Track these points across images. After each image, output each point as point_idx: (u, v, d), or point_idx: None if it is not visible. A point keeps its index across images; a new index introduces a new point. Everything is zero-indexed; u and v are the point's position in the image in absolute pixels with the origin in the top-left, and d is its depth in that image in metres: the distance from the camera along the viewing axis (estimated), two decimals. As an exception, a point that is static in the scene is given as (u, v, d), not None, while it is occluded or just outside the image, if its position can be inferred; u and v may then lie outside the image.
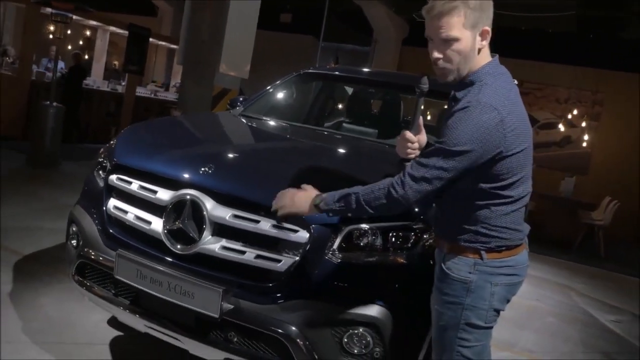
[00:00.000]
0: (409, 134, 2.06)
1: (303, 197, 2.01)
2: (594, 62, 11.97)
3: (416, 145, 2.08)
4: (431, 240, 2.32)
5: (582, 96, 12.36)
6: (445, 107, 4.77)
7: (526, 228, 2.04)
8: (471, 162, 1.79)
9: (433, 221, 2.14)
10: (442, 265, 1.99)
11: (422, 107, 2.12)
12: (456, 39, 1.84)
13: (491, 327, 2.01)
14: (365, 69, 4.76)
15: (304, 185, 2.07)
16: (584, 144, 12.20)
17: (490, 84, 1.85)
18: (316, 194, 2.00)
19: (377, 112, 4.60)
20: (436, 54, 1.88)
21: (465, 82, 1.92)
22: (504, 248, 1.94)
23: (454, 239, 1.96)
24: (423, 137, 2.17)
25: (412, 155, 2.07)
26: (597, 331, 5.10)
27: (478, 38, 1.88)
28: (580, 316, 5.47)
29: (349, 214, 2.02)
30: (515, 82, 2.00)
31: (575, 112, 12.34)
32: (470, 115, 1.77)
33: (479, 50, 1.90)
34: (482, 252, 1.92)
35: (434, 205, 2.11)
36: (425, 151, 1.87)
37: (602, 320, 5.44)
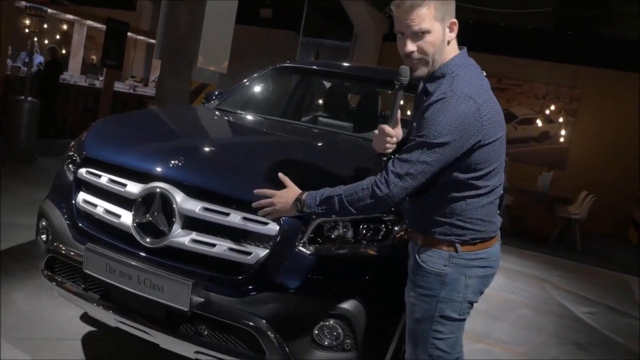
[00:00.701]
0: (387, 128, 2.03)
1: (284, 198, 1.98)
2: (572, 58, 12.11)
3: (394, 140, 2.06)
4: (402, 233, 2.34)
5: (560, 92, 12.49)
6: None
7: (499, 220, 2.06)
8: (453, 153, 1.80)
9: (406, 214, 2.15)
10: (417, 258, 2.00)
11: (402, 100, 2.07)
12: (428, 31, 1.87)
13: (464, 319, 2.03)
14: (342, 63, 4.75)
15: (283, 178, 2.04)
16: (562, 140, 12.35)
17: (461, 75, 1.88)
18: (297, 194, 1.97)
19: (354, 106, 4.61)
20: (410, 47, 1.89)
21: (436, 75, 1.94)
22: (478, 240, 1.96)
23: (429, 231, 1.97)
24: (399, 131, 2.16)
25: (389, 150, 2.06)
26: (571, 323, 5.18)
27: (447, 30, 1.91)
28: (555, 308, 5.55)
29: (332, 216, 2.02)
30: (484, 73, 2.01)
31: (553, 108, 12.47)
32: (448, 105, 1.78)
33: (449, 42, 1.93)
34: (457, 245, 1.94)
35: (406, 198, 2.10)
36: (406, 147, 1.86)
37: (576, 312, 5.52)
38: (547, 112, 12.46)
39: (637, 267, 8.53)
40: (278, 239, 2.19)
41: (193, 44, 7.36)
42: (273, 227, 2.19)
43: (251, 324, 2.16)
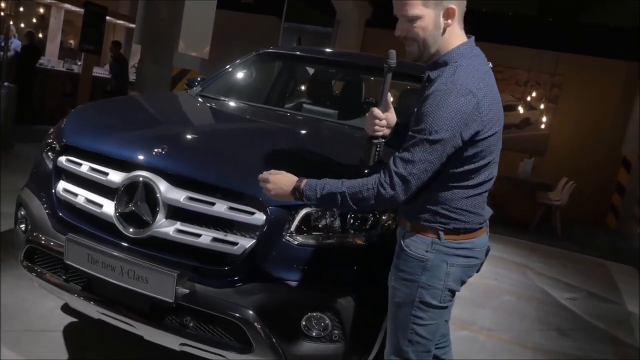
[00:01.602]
0: (376, 111, 2.05)
1: (280, 183, 1.95)
2: (553, 45, 12.16)
3: (384, 122, 2.06)
4: (390, 222, 2.31)
5: (541, 79, 12.56)
6: (407, 88, 4.80)
7: (487, 212, 2.05)
8: (452, 148, 1.79)
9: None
10: (402, 242, 1.99)
11: (389, 83, 2.04)
12: (417, 17, 1.85)
13: (445, 307, 2.02)
14: (326, 49, 4.69)
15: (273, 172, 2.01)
16: (543, 126, 12.44)
17: (464, 65, 1.84)
18: (294, 182, 1.94)
19: (339, 93, 4.56)
20: (398, 32, 1.90)
21: (438, 62, 1.91)
22: (462, 230, 1.95)
23: (415, 217, 1.97)
24: (392, 115, 2.15)
25: (380, 133, 2.07)
26: (553, 308, 5.24)
27: (441, 16, 1.87)
28: (537, 294, 5.61)
29: (333, 209, 2.00)
30: (490, 64, 1.97)
31: (534, 94, 12.54)
32: (447, 99, 1.75)
33: (445, 29, 1.88)
34: (440, 232, 1.93)
35: None
36: (406, 145, 1.82)
37: (557, 298, 5.58)
38: (529, 98, 12.54)
39: (615, 253, 8.68)
40: (265, 228, 2.15)
41: (174, 29, 7.24)
42: (259, 217, 2.15)
43: (237, 315, 2.13)
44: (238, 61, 4.04)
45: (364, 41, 14.07)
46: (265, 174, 1.97)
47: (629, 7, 10.60)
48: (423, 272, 1.94)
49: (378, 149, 2.08)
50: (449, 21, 1.88)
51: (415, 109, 1.90)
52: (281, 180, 1.95)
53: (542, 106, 12.44)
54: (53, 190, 2.50)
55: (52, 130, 2.81)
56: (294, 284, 2.17)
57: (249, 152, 2.50)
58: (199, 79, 3.94)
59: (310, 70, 4.67)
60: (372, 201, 1.84)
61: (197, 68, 7.78)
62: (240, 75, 4.02)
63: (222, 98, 3.62)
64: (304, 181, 1.92)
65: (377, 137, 2.06)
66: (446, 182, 1.89)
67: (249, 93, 4.10)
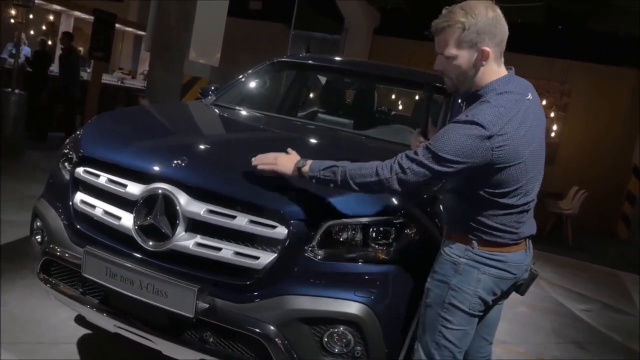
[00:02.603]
0: (419, 136, 2.40)
1: (287, 158, 2.13)
2: (563, 53, 12.12)
3: (419, 144, 2.19)
4: (412, 235, 2.27)
5: (550, 87, 12.51)
6: (417, 97, 4.75)
7: (527, 230, 2.09)
8: (455, 172, 1.88)
9: (443, 210, 2.24)
10: (442, 249, 2.12)
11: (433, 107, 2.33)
12: (452, 56, 1.95)
13: (475, 315, 2.08)
14: (340, 58, 4.67)
15: (289, 150, 2.19)
16: (552, 135, 12.37)
17: (491, 102, 1.90)
18: (299, 157, 2.11)
19: (352, 102, 4.53)
20: (437, 66, 2.01)
21: (474, 94, 2.00)
22: (493, 243, 2.02)
23: (453, 227, 2.11)
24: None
25: None
26: (569, 320, 5.17)
27: (478, 56, 1.94)
28: (552, 306, 5.54)
29: (331, 185, 2.05)
30: (530, 96, 2.00)
31: (543, 102, 12.45)
32: (459, 129, 1.85)
33: (479, 68, 1.96)
34: (474, 242, 2.03)
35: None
36: (418, 148, 1.94)
37: (572, 310, 5.51)
38: (538, 107, 12.46)
39: (627, 262, 8.59)
40: (286, 242, 2.11)
41: (184, 36, 7.24)
42: (281, 231, 2.11)
43: (258, 330, 2.09)
44: (251, 70, 4.01)
45: (372, 49, 14.07)
46: (261, 155, 2.17)
47: (637, 15, 10.55)
48: (454, 275, 2.04)
49: None
50: (484, 62, 1.95)
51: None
52: (283, 158, 2.13)
53: (551, 114, 12.37)
54: (70, 202, 2.47)
55: (68, 140, 2.78)
56: (315, 299, 2.12)
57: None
58: (212, 88, 3.91)
59: (322, 79, 4.65)
60: (368, 179, 1.95)
61: (208, 76, 7.77)
62: (254, 84, 3.99)
63: (237, 107, 3.59)
64: (308, 160, 2.09)
65: None
66: (476, 203, 1.98)
67: (263, 102, 4.07)
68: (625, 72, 11.96)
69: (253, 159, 2.17)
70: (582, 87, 12.22)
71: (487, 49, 1.92)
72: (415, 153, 1.91)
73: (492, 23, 1.92)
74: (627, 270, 8.04)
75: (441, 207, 2.27)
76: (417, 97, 4.47)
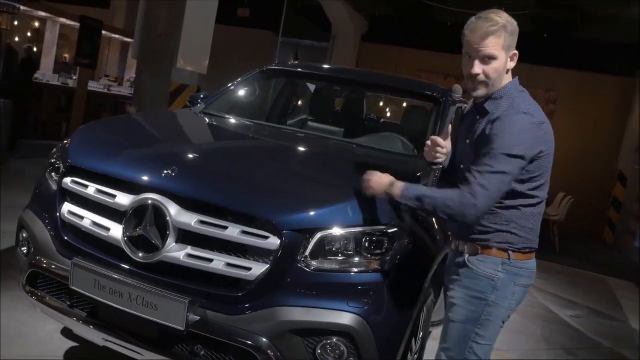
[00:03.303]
0: (439, 140, 2.19)
1: (380, 179, 2.13)
2: (548, 61, 12.22)
3: (445, 150, 2.20)
4: (405, 245, 2.26)
5: (536, 94, 12.56)
6: (405, 104, 4.74)
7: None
8: (525, 163, 1.95)
9: (451, 224, 2.18)
10: (467, 263, 2.09)
11: (452, 115, 2.24)
12: (495, 58, 2.02)
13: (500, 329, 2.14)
14: (329, 66, 4.67)
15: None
16: (539, 141, 12.43)
17: (518, 97, 2.06)
18: (392, 179, 2.11)
19: (341, 110, 4.52)
20: (477, 70, 2.03)
21: (494, 97, 2.08)
22: (527, 250, 2.08)
23: (481, 239, 2.07)
24: (449, 144, 2.27)
25: (440, 160, 2.21)
26: (558, 327, 5.18)
27: (509, 60, 2.07)
28: (541, 312, 5.55)
29: (421, 212, 2.12)
30: None
31: (530, 109, 12.55)
32: (515, 121, 1.95)
33: (508, 70, 2.09)
34: (510, 252, 2.05)
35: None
36: (482, 161, 1.96)
37: (561, 316, 5.53)
38: (525, 114, 12.54)
39: (613, 268, 8.65)
40: (279, 253, 2.09)
41: (172, 44, 7.20)
42: (274, 241, 2.09)
43: (250, 342, 2.07)
44: (240, 79, 3.99)
45: (360, 56, 14.10)
46: (369, 174, 2.16)
47: (622, 24, 10.68)
48: (493, 291, 2.04)
49: (436, 176, 2.23)
50: (512, 63, 2.09)
51: (467, 139, 2.11)
52: (379, 179, 2.13)
53: (538, 121, 12.45)
54: (58, 213, 2.43)
55: (55, 149, 2.74)
56: (308, 310, 2.10)
57: (261, 173, 2.44)
58: (202, 96, 3.87)
59: (312, 87, 4.64)
60: (457, 209, 1.95)
61: (196, 83, 7.73)
62: (244, 92, 3.97)
63: (227, 116, 3.56)
64: (400, 183, 2.08)
65: (436, 164, 2.21)
66: (514, 201, 2.02)
67: (253, 110, 4.05)
68: (609, 80, 12.11)
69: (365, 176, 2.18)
70: (568, 95, 12.34)
71: (516, 51, 2.08)
72: (485, 166, 1.93)
73: (517, 29, 2.08)
74: (614, 276, 8.10)
75: (457, 223, 2.11)
76: (404, 105, 4.46)
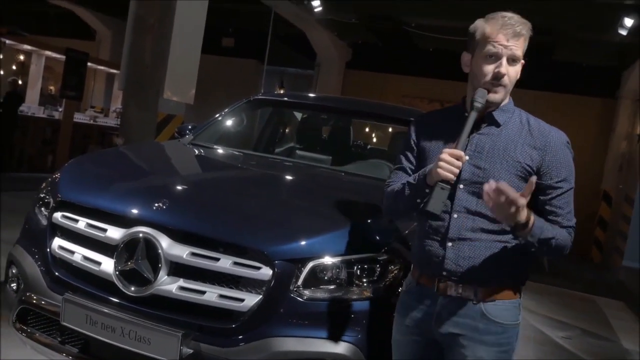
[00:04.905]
0: (457, 151, 1.73)
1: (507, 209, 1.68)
2: (528, 84, 12.40)
3: (460, 163, 1.73)
4: (396, 272, 2.28)
5: (519, 116, 12.78)
6: (390, 129, 4.76)
7: None
8: None
9: (455, 266, 1.82)
10: (486, 313, 1.81)
11: (472, 123, 1.81)
12: (520, 60, 1.83)
13: None
14: (315, 95, 4.72)
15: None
16: (524, 163, 12.57)
17: (534, 118, 1.96)
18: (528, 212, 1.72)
19: (328, 138, 4.56)
20: (504, 70, 1.79)
21: (504, 109, 1.90)
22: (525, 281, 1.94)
23: (497, 281, 1.83)
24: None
25: (454, 177, 1.72)
26: (550, 348, 5.18)
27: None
28: (532, 334, 5.55)
29: (535, 247, 1.78)
30: None
31: (513, 131, 12.72)
32: (570, 150, 1.93)
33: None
34: (521, 287, 1.91)
35: (443, 246, 1.84)
36: (564, 199, 1.88)
37: (553, 337, 5.53)
38: (508, 136, 12.70)
39: (602, 287, 8.70)
40: (272, 283, 2.09)
41: (159, 75, 7.24)
42: (266, 272, 2.10)
43: (244, 374, 2.06)
44: (228, 109, 4.02)
45: (344, 83, 14.25)
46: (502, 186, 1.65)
47: (599, 46, 10.94)
48: (516, 338, 1.87)
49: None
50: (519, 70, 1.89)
51: (475, 150, 1.85)
52: (502, 206, 1.70)
53: (521, 143, 12.61)
54: (48, 248, 2.42)
55: (44, 184, 2.74)
56: (302, 340, 2.11)
57: (251, 203, 2.46)
58: (189, 127, 3.90)
59: (299, 115, 4.68)
60: (567, 250, 1.86)
61: (182, 113, 7.76)
62: (231, 122, 4.00)
63: (215, 146, 3.58)
64: (533, 217, 1.72)
65: (448, 182, 1.71)
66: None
67: (241, 140, 4.08)
68: (590, 101, 12.33)
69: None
70: (549, 117, 12.42)
71: (523, 61, 1.87)
72: (569, 203, 1.88)
73: None
74: (603, 295, 8.13)
75: (465, 264, 1.83)
76: (390, 130, 4.51)
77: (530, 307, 6.60)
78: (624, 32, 8.87)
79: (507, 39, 1.78)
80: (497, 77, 1.80)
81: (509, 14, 1.81)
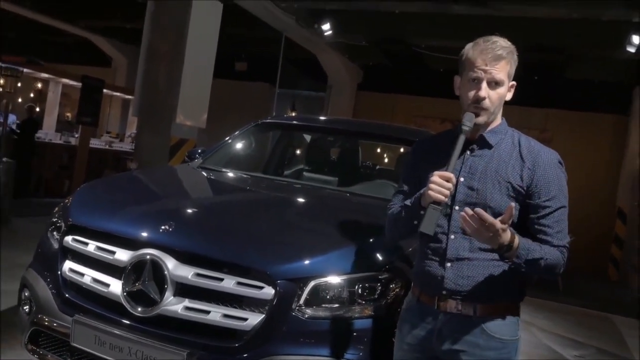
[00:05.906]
0: (449, 174, 1.78)
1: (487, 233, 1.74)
2: (541, 102, 12.46)
3: (450, 185, 1.78)
4: (398, 290, 2.31)
5: (530, 135, 12.66)
6: (402, 149, 4.82)
7: None
8: None
9: (456, 285, 1.86)
10: (484, 329, 1.85)
11: (461, 145, 1.85)
12: (501, 84, 1.87)
13: None
14: (323, 117, 4.81)
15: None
16: (537, 181, 12.52)
17: (526, 138, 1.98)
18: (512, 234, 1.75)
19: (336, 159, 4.63)
20: (484, 93, 1.85)
21: (496, 131, 1.95)
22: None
23: (496, 298, 1.87)
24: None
25: (446, 199, 1.78)
26: (563, 368, 5.13)
27: (508, 89, 1.92)
28: (546, 353, 5.50)
29: (524, 268, 1.81)
30: None
31: (525, 150, 12.68)
32: (562, 170, 1.93)
33: (506, 101, 1.94)
34: (519, 303, 1.93)
35: (443, 266, 1.88)
36: (557, 218, 1.87)
37: (566, 356, 5.47)
38: (520, 154, 12.68)
39: (619, 305, 8.58)
40: (274, 302, 2.15)
41: (171, 100, 7.39)
42: (268, 291, 2.15)
43: (248, 392, 2.10)
44: (236, 132, 4.11)
45: (356, 104, 14.36)
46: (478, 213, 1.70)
47: (611, 64, 10.94)
48: (516, 352, 1.89)
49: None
50: (509, 95, 1.93)
51: (466, 171, 1.90)
52: (481, 231, 1.73)
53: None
54: (59, 271, 2.50)
55: (57, 208, 2.83)
56: (305, 358, 2.15)
57: (255, 225, 2.53)
58: (199, 151, 3.99)
59: (307, 137, 4.76)
60: (560, 269, 1.87)
61: (195, 137, 7.90)
62: (239, 145, 4.08)
63: (224, 169, 3.66)
64: (518, 239, 1.76)
65: (440, 203, 1.76)
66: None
67: (250, 163, 4.16)
68: (602, 118, 12.31)
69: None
70: (562, 134, 12.51)
71: (514, 83, 1.93)
72: (562, 222, 1.87)
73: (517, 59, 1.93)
74: (619, 314, 8.02)
75: (467, 282, 1.86)
76: (402, 150, 4.55)
77: (544, 326, 6.55)
78: (632, 50, 8.88)
79: (486, 62, 1.84)
80: (477, 100, 1.86)
81: (493, 38, 1.86)
